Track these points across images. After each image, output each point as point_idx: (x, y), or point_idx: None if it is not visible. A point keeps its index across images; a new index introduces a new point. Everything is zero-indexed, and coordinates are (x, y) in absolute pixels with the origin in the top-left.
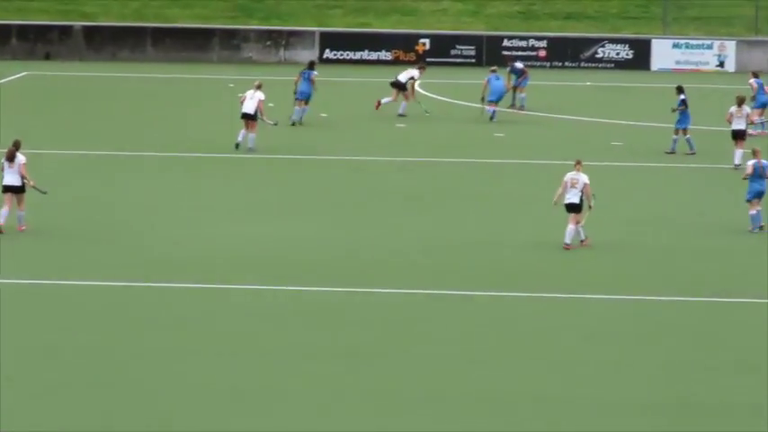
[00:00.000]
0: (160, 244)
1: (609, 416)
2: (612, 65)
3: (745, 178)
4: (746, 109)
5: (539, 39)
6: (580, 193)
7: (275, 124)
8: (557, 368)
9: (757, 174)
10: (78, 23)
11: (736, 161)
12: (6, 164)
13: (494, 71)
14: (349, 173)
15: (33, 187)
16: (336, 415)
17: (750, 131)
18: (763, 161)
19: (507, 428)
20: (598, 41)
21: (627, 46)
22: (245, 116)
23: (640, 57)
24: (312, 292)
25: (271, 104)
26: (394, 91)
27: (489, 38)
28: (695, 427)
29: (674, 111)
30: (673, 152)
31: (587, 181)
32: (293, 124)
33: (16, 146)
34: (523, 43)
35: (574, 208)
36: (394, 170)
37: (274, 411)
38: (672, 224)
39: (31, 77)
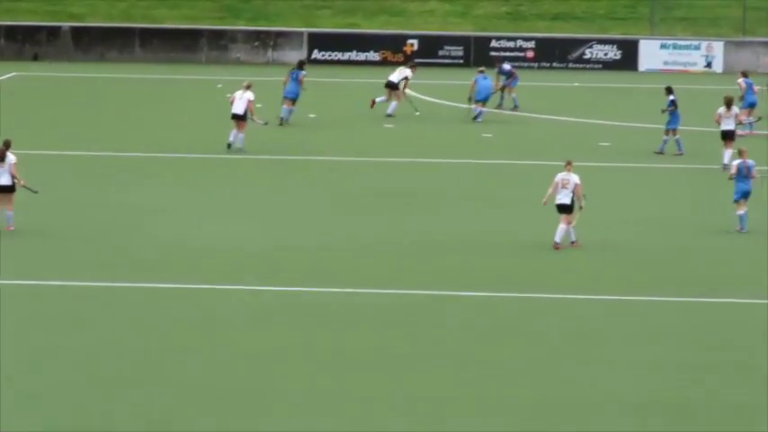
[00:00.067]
0: (150, 244)
1: (605, 416)
2: (600, 65)
3: (730, 178)
4: (735, 109)
5: (526, 39)
6: (571, 194)
7: (265, 124)
8: (548, 369)
9: (742, 174)
10: (66, 24)
11: (725, 161)
12: None
13: (481, 71)
14: (338, 173)
15: (24, 186)
16: (331, 415)
17: (738, 132)
18: (749, 161)
19: (499, 428)
20: (586, 42)
21: (614, 47)
22: (235, 117)
23: (628, 57)
24: (303, 293)
25: (259, 105)
26: (387, 90)
27: (477, 38)
28: (692, 428)
29: (663, 112)
30: (661, 152)
31: (578, 181)
32: (281, 123)
33: (6, 145)
34: (511, 44)
35: (565, 209)
36: (382, 171)
37: (268, 412)
38: (660, 224)
39: (20, 78)
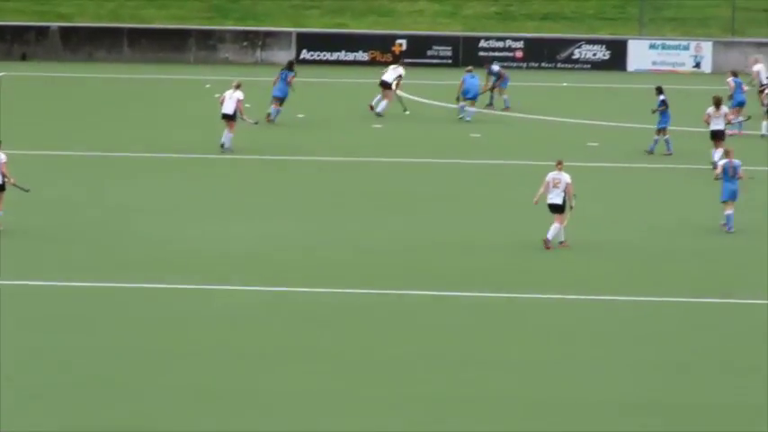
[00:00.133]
0: (138, 244)
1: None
2: (589, 65)
3: (716, 178)
4: (724, 109)
5: (515, 39)
6: (562, 194)
7: (256, 123)
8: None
9: (728, 174)
10: (55, 24)
11: (716, 158)
12: None
13: (469, 71)
14: (326, 173)
15: (14, 185)
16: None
17: (728, 131)
18: (735, 161)
19: (498, 429)
20: (575, 42)
21: (603, 47)
22: (225, 117)
23: (617, 57)
24: (293, 293)
25: (248, 105)
26: (382, 90)
27: (466, 39)
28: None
29: (654, 112)
30: (651, 152)
31: (569, 180)
32: (268, 119)
33: None
34: (500, 44)
35: (556, 209)
36: (370, 171)
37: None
38: (650, 225)
39: (8, 78)
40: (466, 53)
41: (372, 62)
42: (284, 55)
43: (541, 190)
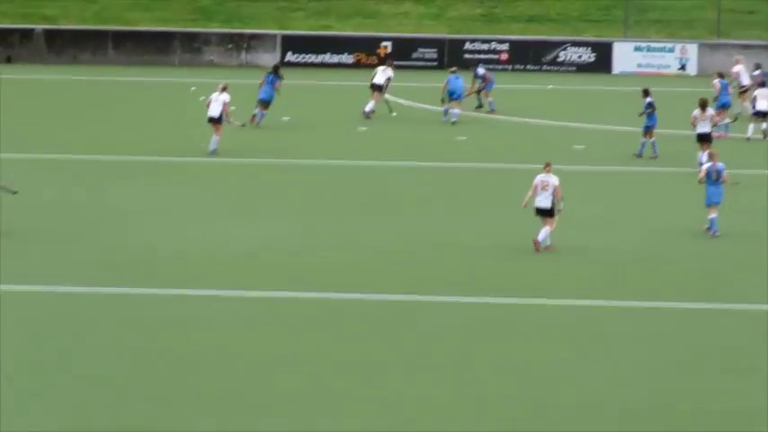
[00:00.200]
0: (127, 247)
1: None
2: (574, 68)
3: (700, 182)
4: (710, 111)
5: (501, 42)
6: (551, 197)
7: (242, 125)
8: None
9: (711, 178)
10: (39, 26)
11: (703, 161)
12: None
13: (453, 71)
14: (312, 176)
15: (2, 188)
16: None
17: (714, 134)
18: (719, 164)
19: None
20: (560, 44)
21: (589, 49)
22: (211, 120)
23: (602, 60)
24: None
25: (233, 107)
26: (374, 93)
27: (451, 41)
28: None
29: (641, 115)
30: (640, 156)
31: (558, 183)
32: (253, 121)
33: None
34: (485, 46)
35: (545, 212)
36: (357, 174)
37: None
38: (635, 228)
39: None
40: (451, 55)
41: (358, 64)
42: (269, 57)
43: (530, 193)
